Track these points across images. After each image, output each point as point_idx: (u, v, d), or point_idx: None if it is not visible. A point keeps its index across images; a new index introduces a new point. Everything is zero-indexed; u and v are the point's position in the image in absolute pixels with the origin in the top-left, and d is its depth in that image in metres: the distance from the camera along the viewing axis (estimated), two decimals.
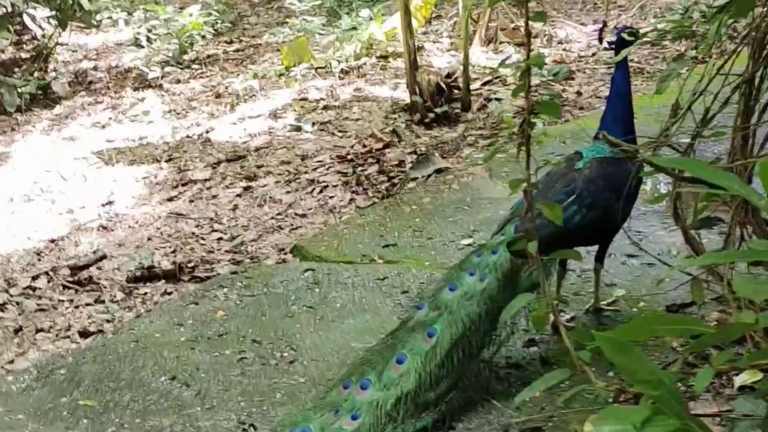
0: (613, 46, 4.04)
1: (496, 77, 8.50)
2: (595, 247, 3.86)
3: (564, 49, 9.45)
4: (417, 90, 7.35)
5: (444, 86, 7.45)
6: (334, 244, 5.13)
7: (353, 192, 6.14)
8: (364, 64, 9.35)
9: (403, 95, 8.05)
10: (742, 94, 2.43)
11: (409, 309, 3.65)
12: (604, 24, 4.26)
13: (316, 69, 9.24)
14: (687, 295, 3.66)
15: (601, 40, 3.93)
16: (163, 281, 5.19)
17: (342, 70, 9.02)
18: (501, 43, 9.81)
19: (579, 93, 7.67)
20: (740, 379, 3.23)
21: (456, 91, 7.72)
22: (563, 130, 6.44)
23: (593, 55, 9.14)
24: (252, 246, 5.56)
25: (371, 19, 10.16)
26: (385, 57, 9.73)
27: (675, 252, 4.46)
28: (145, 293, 5.11)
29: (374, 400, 3.11)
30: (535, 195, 3.53)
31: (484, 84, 8.22)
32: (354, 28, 10.08)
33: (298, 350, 4.02)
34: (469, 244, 4.87)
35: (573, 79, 8.18)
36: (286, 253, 5.27)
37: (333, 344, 4.04)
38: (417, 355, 3.21)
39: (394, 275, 4.60)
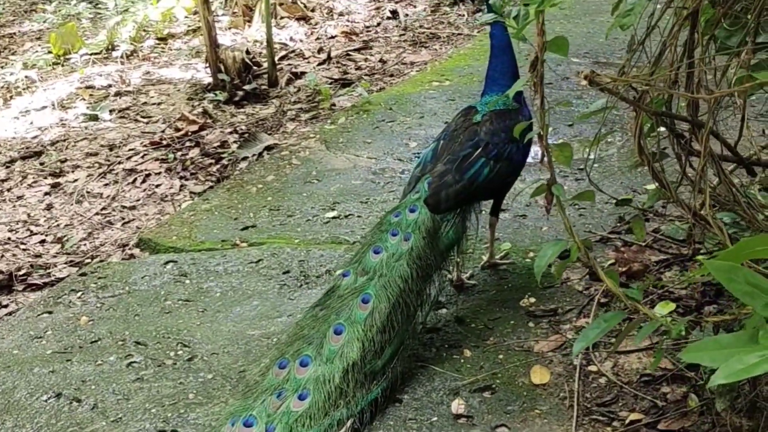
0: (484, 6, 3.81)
1: (291, 51, 8.34)
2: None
3: (348, 21, 9.43)
4: (222, 68, 7.03)
5: (249, 63, 7.18)
6: (185, 232, 4.78)
7: (181, 178, 5.77)
8: (143, 46, 8.83)
9: (202, 75, 7.71)
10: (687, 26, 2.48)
11: (335, 277, 3.46)
12: None
13: (93, 55, 8.61)
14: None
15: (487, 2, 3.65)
16: None
17: (123, 55, 8.45)
18: (282, 18, 9.64)
19: (383, 61, 7.68)
20: None
21: (257, 68, 7.49)
22: (386, 97, 6.42)
23: (378, 24, 9.20)
24: (85, 245, 5.07)
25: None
26: (163, 39, 9.26)
27: (541, 202, 4.56)
28: None
29: (319, 376, 2.93)
30: (440, 149, 3.56)
31: (281, 59, 8.02)
32: (126, 10, 9.49)
33: (191, 346, 3.69)
34: (334, 217, 4.73)
35: (371, 48, 8.18)
36: (131, 248, 4.85)
37: (228, 335, 3.75)
38: (356, 323, 3.06)
39: (268, 256, 4.36)
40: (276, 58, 7.94)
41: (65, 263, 4.84)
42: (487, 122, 3.59)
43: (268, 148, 5.90)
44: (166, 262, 4.42)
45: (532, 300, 3.71)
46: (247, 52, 7.48)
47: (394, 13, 9.40)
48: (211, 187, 5.55)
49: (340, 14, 9.74)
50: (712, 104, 2.35)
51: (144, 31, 9.15)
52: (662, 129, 3.01)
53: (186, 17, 9.58)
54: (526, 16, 2.77)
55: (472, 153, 3.49)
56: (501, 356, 3.35)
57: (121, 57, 8.43)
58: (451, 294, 3.78)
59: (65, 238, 5.15)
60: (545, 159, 2.49)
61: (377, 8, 9.91)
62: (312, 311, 3.23)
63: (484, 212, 3.82)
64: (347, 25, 9.17)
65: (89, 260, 4.83)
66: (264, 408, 2.85)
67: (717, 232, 2.41)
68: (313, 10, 10.06)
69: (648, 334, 2.19)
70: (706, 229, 2.67)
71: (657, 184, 2.92)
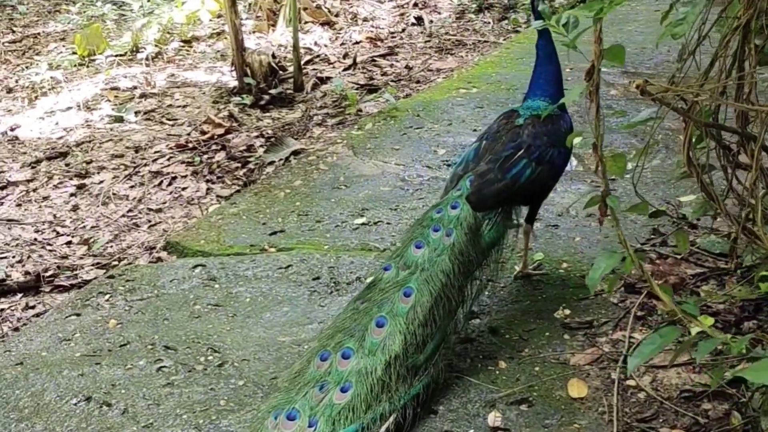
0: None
1: (316, 56, 8.32)
2: None
3: (373, 26, 9.40)
4: (249, 72, 7.01)
5: (276, 67, 7.16)
6: (213, 236, 4.75)
7: (208, 181, 5.74)
8: (168, 49, 8.83)
9: (227, 78, 7.70)
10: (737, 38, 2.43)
11: (376, 271, 3.45)
12: None
13: (117, 56, 8.61)
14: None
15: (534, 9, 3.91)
16: (20, 295, 4.59)
17: (148, 57, 8.45)
18: (306, 23, 9.62)
19: (409, 67, 7.65)
20: None
21: (282, 72, 7.47)
22: (413, 103, 6.38)
23: (403, 30, 9.17)
24: (112, 247, 5.05)
25: (168, 1, 9.64)
26: (187, 41, 9.26)
27: (574, 212, 4.53)
28: (2, 310, 4.49)
29: (362, 368, 2.90)
30: (483, 149, 3.58)
31: (306, 63, 8.00)
32: (151, 13, 9.49)
33: (222, 352, 3.65)
34: (363, 223, 4.69)
35: (396, 54, 8.15)
36: (158, 251, 4.83)
37: (258, 341, 3.72)
38: (398, 317, 3.04)
39: (297, 262, 4.32)
40: (301, 63, 7.92)
41: (92, 265, 4.83)
42: (529, 126, 3.59)
43: (295, 153, 5.87)
44: (195, 266, 4.39)
45: (567, 312, 3.66)
46: (273, 56, 7.47)
47: (419, 20, 9.37)
48: (238, 191, 5.52)
49: (365, 20, 9.72)
50: (764, 117, 2.30)
51: (168, 33, 9.16)
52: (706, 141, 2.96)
53: (210, 20, 9.59)
54: (576, 23, 2.71)
55: (514, 153, 3.48)
56: (537, 368, 3.30)
57: (146, 59, 8.43)
58: (484, 304, 3.73)
59: (92, 240, 5.13)
60: (599, 169, 2.44)
61: (402, 14, 9.88)
62: (353, 304, 3.20)
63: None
64: (372, 31, 9.14)
65: (116, 263, 4.82)
66: (307, 401, 2.83)
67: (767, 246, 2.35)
68: (337, 15, 10.05)
69: (709, 352, 2.12)
70: (754, 243, 2.61)
71: (700, 195, 2.87)
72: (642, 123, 2.77)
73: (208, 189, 5.63)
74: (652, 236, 4.20)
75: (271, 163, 5.83)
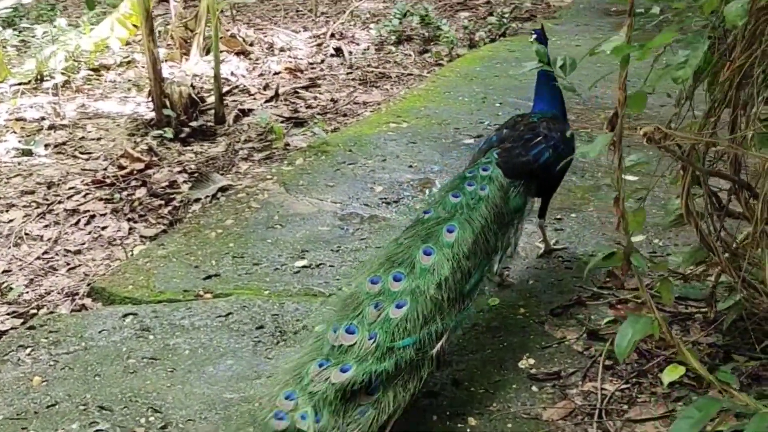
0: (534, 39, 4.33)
1: (235, 87, 8.05)
2: None
3: (291, 57, 9.19)
4: (168, 103, 6.70)
5: (196, 98, 6.87)
6: (142, 281, 4.43)
7: (130, 220, 5.40)
8: (77, 77, 8.41)
9: (143, 109, 7.35)
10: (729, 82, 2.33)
11: (417, 213, 3.68)
12: (542, 27, 4.46)
13: (22, 85, 8.15)
14: None
15: (545, 40, 4.31)
16: None
17: (55, 86, 8.01)
18: (221, 52, 9.31)
19: (334, 100, 7.46)
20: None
21: (202, 103, 7.18)
22: (344, 138, 6.19)
23: (322, 61, 8.99)
24: (29, 293, 4.66)
25: (75, 27, 9.21)
26: (96, 70, 8.85)
27: (524, 254, 4.38)
28: None
29: (415, 287, 3.08)
30: (504, 135, 3.96)
31: (225, 94, 7.72)
32: (56, 39, 9.03)
33: (163, 412, 3.35)
34: (305, 266, 4.46)
35: (319, 86, 7.96)
36: (81, 298, 4.47)
37: (203, 399, 3.43)
38: (444, 247, 3.25)
39: (238, 309, 4.05)
40: (222, 94, 7.65)
41: (8, 314, 4.43)
42: (543, 122, 3.99)
43: (222, 190, 5.59)
44: (125, 315, 4.07)
45: (532, 361, 3.51)
46: (192, 87, 7.17)
47: (338, 51, 9.20)
48: (164, 230, 5.20)
49: (282, 50, 9.50)
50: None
51: (76, 61, 8.72)
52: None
53: (120, 48, 9.20)
54: (573, 65, 2.58)
55: (534, 138, 3.87)
56: (509, 425, 3.13)
57: (53, 88, 7.98)
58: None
59: (5, 286, 4.72)
60: (620, 224, 2.28)
61: (319, 45, 9.70)
62: (395, 243, 3.37)
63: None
64: (291, 62, 8.92)
65: (35, 311, 4.43)
66: (363, 317, 2.97)
67: None
68: (252, 45, 9.80)
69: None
70: (753, 296, 2.50)
71: (696, 244, 2.74)
72: (638, 166, 2.63)
73: (130, 228, 5.29)
74: (608, 279, 4.10)
75: (197, 200, 5.53)
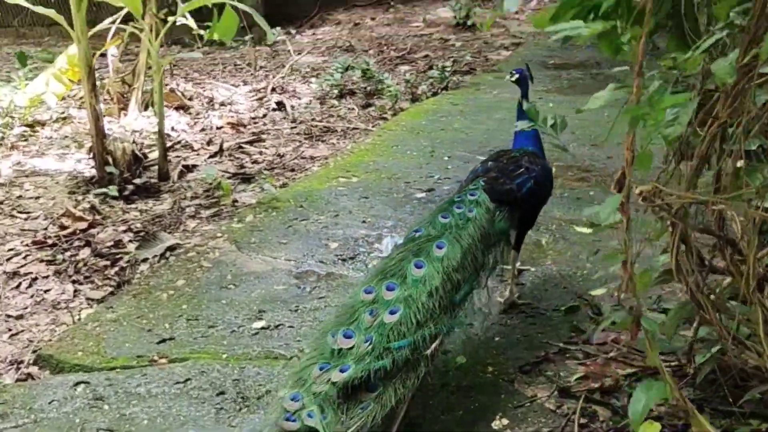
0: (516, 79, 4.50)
1: (177, 142, 7.91)
2: None
3: (232, 111, 9.09)
4: (110, 160, 6.53)
5: (139, 155, 6.71)
6: (92, 347, 4.24)
7: (74, 282, 5.19)
8: (12, 134, 8.18)
9: (83, 167, 7.16)
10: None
11: (408, 233, 3.83)
12: (527, 67, 4.64)
13: None
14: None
15: (532, 79, 4.55)
16: None
17: None
18: None
19: (280, 155, 7.37)
20: None
21: (144, 160, 7.02)
22: (294, 193, 6.09)
23: (265, 116, 8.91)
24: None
25: (7, 83, 8.98)
26: (30, 126, 8.62)
27: (486, 310, 4.32)
28: None
29: (407, 296, 3.29)
30: (490, 166, 4.18)
31: (167, 150, 7.56)
32: None
33: None
34: (263, 327, 4.33)
35: (263, 141, 7.86)
36: (27, 366, 4.25)
37: None
38: (434, 261, 3.45)
39: (196, 375, 3.89)
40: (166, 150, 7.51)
41: None
42: (524, 156, 4.20)
43: (171, 249, 5.42)
44: (76, 384, 3.88)
45: (505, 421, 3.43)
46: (134, 143, 7.01)
47: (280, 105, 9.14)
48: (112, 292, 5.01)
49: (222, 104, 9.39)
50: (756, 222, 2.18)
51: (10, 117, 8.48)
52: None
53: (57, 104, 8.98)
54: (563, 124, 2.55)
55: (517, 170, 4.08)
56: None
57: None
58: (415, 415, 3.44)
59: None
60: (628, 287, 2.23)
61: (260, 99, 9.62)
62: (387, 260, 3.60)
63: None
64: (232, 116, 8.82)
65: None
66: (359, 323, 3.18)
67: None
68: (191, 99, 9.67)
69: None
70: (744, 355, 2.47)
71: (683, 300, 2.70)
72: (612, 225, 2.59)
73: (75, 291, 5.09)
74: (573, 334, 4.06)
75: (145, 260, 5.36)
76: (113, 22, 8.97)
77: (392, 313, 3.20)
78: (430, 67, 10.35)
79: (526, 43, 11.65)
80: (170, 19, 7.38)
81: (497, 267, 3.93)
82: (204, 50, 11.94)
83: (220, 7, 6.81)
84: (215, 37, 6.95)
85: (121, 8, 8.20)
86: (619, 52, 3.73)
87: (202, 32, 9.19)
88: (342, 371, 3.01)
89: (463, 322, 3.59)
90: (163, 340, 4.26)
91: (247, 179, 6.73)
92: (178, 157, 7.44)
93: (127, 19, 8.76)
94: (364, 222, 5.54)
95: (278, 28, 11.83)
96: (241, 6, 6.94)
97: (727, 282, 2.77)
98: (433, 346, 3.22)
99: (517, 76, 4.43)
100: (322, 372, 3.02)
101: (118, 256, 5.47)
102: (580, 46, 10.95)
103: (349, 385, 2.98)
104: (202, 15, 7.90)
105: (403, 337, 3.14)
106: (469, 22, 12.88)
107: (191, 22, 8.46)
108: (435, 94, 9.04)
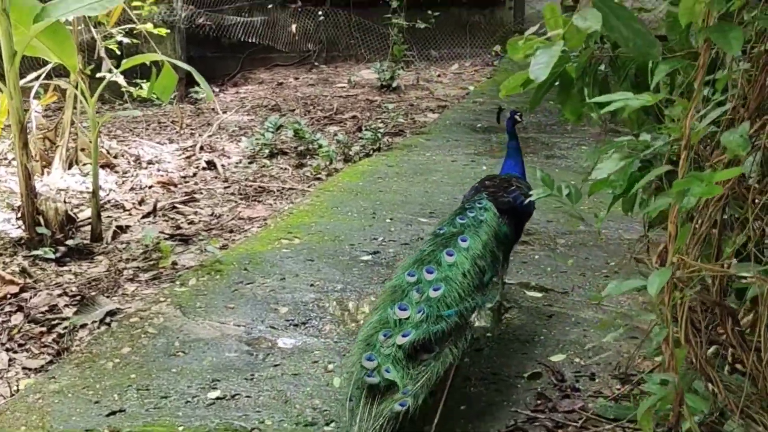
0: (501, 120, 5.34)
1: (106, 202, 7.69)
2: None
3: (161, 170, 8.91)
4: (41, 220, 6.28)
5: (72, 215, 6.48)
6: (35, 421, 4.00)
7: (9, 350, 4.93)
8: None
9: (9, 227, 6.86)
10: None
11: (433, 230, 4.46)
12: (500, 112, 5.43)
13: None
14: None
15: (499, 120, 5.42)
16: None
17: None
18: (85, 164, 8.96)
19: (217, 216, 7.22)
20: None
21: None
22: (237, 256, 5.95)
23: (195, 175, 8.76)
24: None
25: None
26: None
27: None
28: None
29: (445, 276, 3.91)
30: (485, 186, 4.81)
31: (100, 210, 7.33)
32: None
33: None
34: (219, 398, 4.16)
35: (197, 201, 7.70)
36: None
37: None
38: (462, 251, 4.09)
39: None
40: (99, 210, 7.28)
41: None
42: (513, 178, 4.88)
43: (111, 314, 5.22)
44: None
45: None
46: (65, 202, 6.77)
47: (211, 164, 9.00)
48: (51, 361, 4.78)
49: (150, 162, 9.21)
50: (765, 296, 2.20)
51: None
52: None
53: None
54: (578, 194, 2.53)
55: (510, 187, 4.73)
56: None
57: None
58: None
59: None
60: (670, 365, 2.20)
61: (188, 158, 9.47)
62: (418, 252, 4.19)
63: None
64: (162, 175, 8.64)
65: None
66: (410, 298, 3.80)
67: None
68: (116, 157, 9.47)
69: None
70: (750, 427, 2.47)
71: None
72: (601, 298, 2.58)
73: (11, 360, 4.83)
74: (539, 401, 4.03)
75: (84, 326, 5.14)
76: (37, 78, 8.77)
77: (435, 290, 3.80)
78: (359, 128, 10.38)
79: (451, 106, 11.80)
80: (104, 75, 7.22)
81: (507, 264, 4.66)
82: (126, 107, 11.73)
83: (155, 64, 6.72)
84: (153, 95, 6.82)
85: (47, 63, 8.02)
86: (581, 118, 3.79)
87: (131, 89, 9.07)
88: (404, 336, 3.58)
89: (493, 299, 4.39)
90: (113, 413, 4.05)
91: (185, 240, 6.56)
92: (109, 217, 7.22)
93: (49, 74, 8.58)
94: (312, 285, 5.44)
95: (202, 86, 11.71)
96: (180, 65, 6.85)
97: (711, 351, 2.80)
98: (475, 313, 3.92)
99: (509, 116, 5.16)
100: (386, 338, 3.59)
101: (54, 322, 5.24)
102: (506, 111, 11.18)
103: (412, 347, 3.56)
104: (129, 72, 7.77)
105: (450, 308, 3.75)
106: (393, 84, 13.01)
107: (121, 80, 8.33)
108: (368, 155, 9.04)
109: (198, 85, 8.70)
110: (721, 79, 2.55)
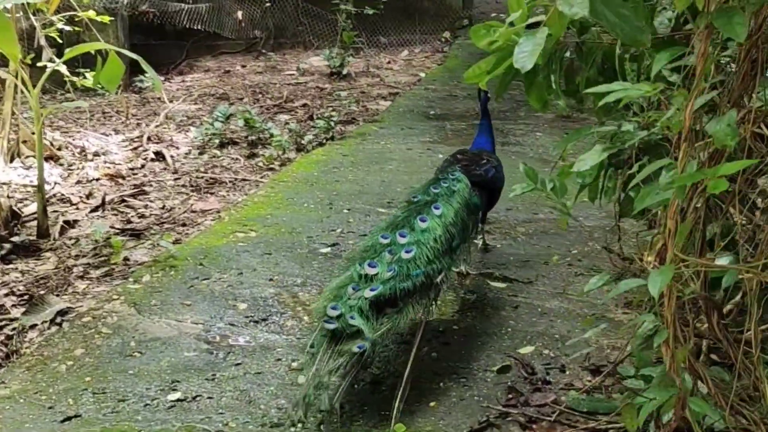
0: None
1: (51, 196, 7.42)
2: None
3: (107, 162, 8.65)
4: None
5: (18, 211, 6.23)
6: None
7: None
8: None
9: None
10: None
11: (407, 198, 4.71)
12: (480, 91, 5.52)
13: None
14: None
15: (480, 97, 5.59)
16: None
17: None
18: (27, 157, 8.65)
19: (168, 209, 7.01)
20: None
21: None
22: (191, 250, 5.77)
23: (143, 166, 8.52)
24: None
25: None
26: None
27: None
28: None
29: (417, 239, 4.14)
30: (457, 159, 5.08)
31: (46, 205, 7.07)
32: None
33: None
34: (179, 399, 4.01)
35: (147, 194, 7.48)
36: None
37: None
38: (435, 217, 4.33)
39: None
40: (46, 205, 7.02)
41: None
42: (483, 153, 5.25)
43: (62, 313, 5.01)
44: None
45: None
46: (8, 197, 6.52)
47: (159, 155, 8.76)
48: (0, 365, 4.56)
49: (96, 154, 8.91)
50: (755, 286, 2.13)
51: None
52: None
53: None
54: (563, 188, 2.44)
55: (481, 161, 5.06)
56: None
57: None
58: None
59: None
60: (672, 367, 2.10)
61: (135, 149, 9.21)
62: (393, 217, 4.47)
63: None
64: (109, 167, 8.37)
65: None
66: (382, 258, 4.02)
67: None
68: (60, 149, 9.15)
69: None
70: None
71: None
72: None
73: None
74: (510, 395, 3.95)
75: (34, 326, 4.92)
76: None
77: (407, 252, 4.04)
78: (311, 117, 10.21)
79: (402, 93, 11.67)
80: (48, 65, 6.95)
81: (475, 232, 4.90)
82: (67, 96, 11.38)
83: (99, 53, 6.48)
84: (98, 84, 6.58)
85: None
86: (546, 106, 3.70)
87: (75, 79, 8.77)
88: (372, 290, 3.82)
89: (458, 263, 4.67)
90: (68, 418, 3.88)
91: (136, 235, 6.35)
92: (56, 212, 6.97)
93: None
94: (271, 280, 5.29)
95: (147, 75, 11.42)
96: (126, 53, 6.62)
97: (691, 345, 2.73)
98: (440, 276, 4.11)
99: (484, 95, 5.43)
100: (355, 291, 3.83)
101: (2, 323, 5.02)
102: (458, 97, 11.09)
103: (378, 300, 3.80)
104: (71, 61, 7.49)
105: (419, 268, 3.99)
106: (344, 72, 12.84)
107: (63, 69, 8.04)
108: (321, 144, 8.88)
109: (143, 73, 8.47)
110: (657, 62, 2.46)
